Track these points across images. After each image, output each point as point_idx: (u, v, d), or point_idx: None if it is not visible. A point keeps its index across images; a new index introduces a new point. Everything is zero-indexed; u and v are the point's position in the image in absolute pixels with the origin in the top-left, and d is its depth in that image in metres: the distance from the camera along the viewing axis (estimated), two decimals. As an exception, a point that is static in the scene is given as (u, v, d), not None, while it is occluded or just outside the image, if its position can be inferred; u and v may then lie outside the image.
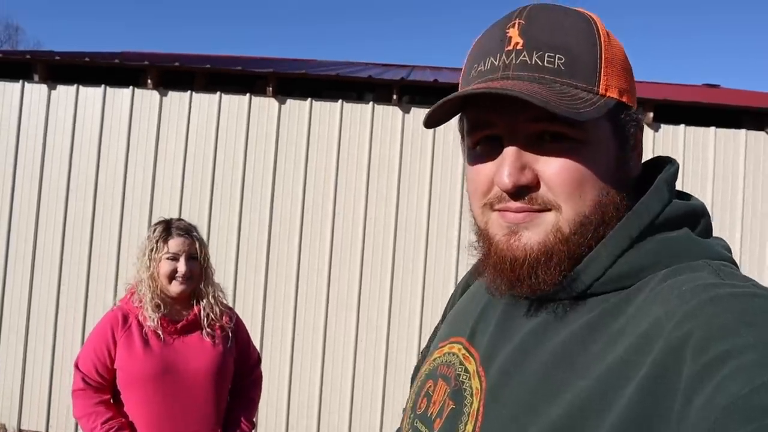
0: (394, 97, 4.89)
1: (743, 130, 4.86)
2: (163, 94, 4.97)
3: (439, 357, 0.79)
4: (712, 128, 4.86)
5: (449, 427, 0.69)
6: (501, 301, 0.74)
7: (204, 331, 2.20)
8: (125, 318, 2.16)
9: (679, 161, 4.79)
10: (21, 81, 4.97)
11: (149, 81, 4.95)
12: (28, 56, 4.99)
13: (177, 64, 4.98)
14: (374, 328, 4.82)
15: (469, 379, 0.70)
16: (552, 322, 0.66)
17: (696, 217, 0.68)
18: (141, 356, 2.10)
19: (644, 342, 0.56)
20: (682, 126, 4.89)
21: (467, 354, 0.74)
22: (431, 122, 0.69)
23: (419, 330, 4.81)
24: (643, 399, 0.53)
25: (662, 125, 4.92)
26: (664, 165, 0.72)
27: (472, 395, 0.69)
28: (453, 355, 0.76)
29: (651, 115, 4.87)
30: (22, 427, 4.80)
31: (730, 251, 0.69)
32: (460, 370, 0.73)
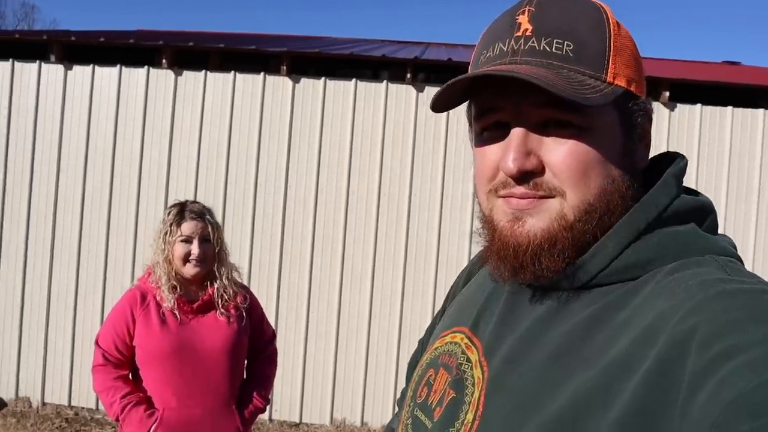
0: (408, 75, 4.87)
1: (761, 110, 4.79)
2: (178, 74, 4.98)
3: (441, 346, 0.79)
4: (729, 108, 4.80)
5: (449, 416, 0.70)
6: (505, 290, 0.74)
7: (219, 311, 2.25)
8: (143, 297, 2.22)
9: (695, 141, 4.78)
10: (38, 61, 5.00)
11: (164, 61, 4.96)
12: (44, 36, 5.01)
13: (192, 44, 4.99)
14: (388, 304, 4.87)
15: (471, 369, 0.71)
16: (557, 313, 0.66)
17: (703, 213, 0.69)
18: (158, 334, 2.16)
19: (649, 335, 0.57)
20: (699, 105, 4.83)
21: (470, 343, 0.74)
22: (438, 106, 0.70)
23: (432, 306, 4.86)
24: (647, 392, 0.54)
25: (678, 105, 4.86)
26: (673, 159, 0.72)
27: (473, 384, 0.69)
28: (455, 344, 0.76)
29: (667, 94, 4.82)
30: (46, 401, 4.93)
31: (735, 248, 0.69)
32: (462, 359, 0.73)
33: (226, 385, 2.23)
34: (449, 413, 0.70)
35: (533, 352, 0.64)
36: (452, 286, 0.95)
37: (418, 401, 0.77)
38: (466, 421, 0.67)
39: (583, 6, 0.67)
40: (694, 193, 0.71)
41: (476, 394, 0.67)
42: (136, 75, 4.99)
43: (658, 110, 4.84)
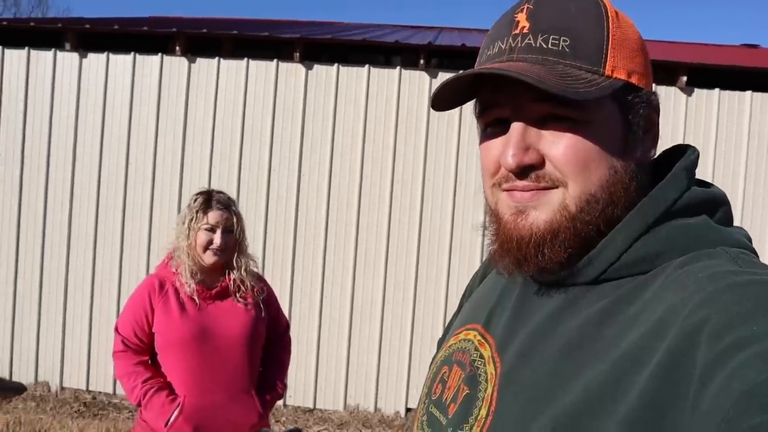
0: (422, 61, 4.85)
1: (781, 93, 4.71)
2: (191, 61, 4.99)
3: (455, 343, 0.80)
4: (748, 92, 4.73)
5: (463, 412, 0.71)
6: (517, 287, 0.75)
7: (236, 299, 2.27)
8: (162, 284, 2.24)
9: (713, 126, 4.71)
10: (53, 49, 5.03)
11: (177, 48, 4.97)
12: (59, 25, 5.04)
13: (205, 30, 5.00)
14: (401, 289, 4.88)
15: (484, 365, 0.72)
16: (567, 308, 0.67)
17: (715, 205, 0.68)
18: (178, 320, 2.17)
19: (659, 328, 0.57)
20: (717, 90, 4.76)
21: (482, 340, 0.75)
22: (440, 104, 0.71)
23: (445, 291, 4.86)
24: (658, 385, 0.54)
25: (696, 90, 4.80)
26: (686, 152, 0.72)
27: (486, 380, 0.70)
28: (468, 341, 0.78)
29: (684, 79, 4.75)
30: (64, 385, 5.00)
31: (750, 240, 0.69)
32: (475, 355, 0.74)
33: (245, 370, 2.25)
34: (463, 409, 0.71)
35: (545, 347, 0.65)
36: (468, 284, 0.97)
37: (433, 398, 0.78)
38: (479, 417, 0.68)
39: (581, 1, 0.68)
40: (706, 185, 0.71)
41: (489, 390, 0.69)
42: (149, 62, 5.01)
43: (676, 95, 4.78)
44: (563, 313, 0.67)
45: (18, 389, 4.97)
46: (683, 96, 4.79)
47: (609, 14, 0.67)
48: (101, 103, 5.01)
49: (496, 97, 0.68)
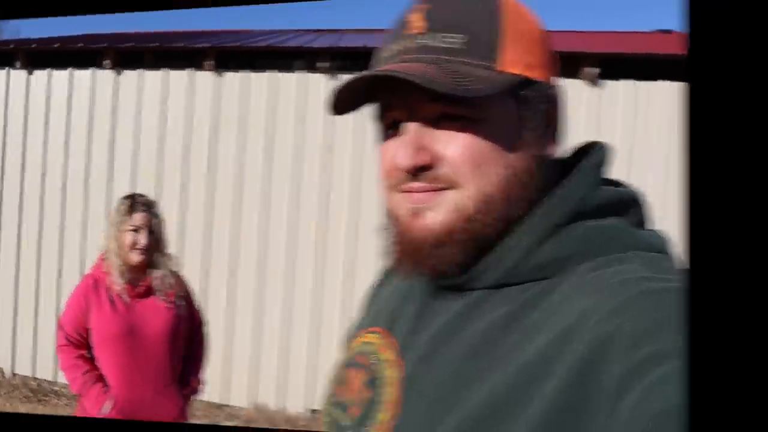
0: (324, 64, 4.85)
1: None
2: (118, 74, 5.31)
3: (357, 346, 0.79)
4: (660, 82, 4.30)
5: (364, 416, 0.70)
6: (420, 290, 0.74)
7: (159, 297, 2.46)
8: (96, 284, 2.46)
9: (622, 119, 4.35)
10: (6, 69, 5.54)
11: (108, 62, 5.30)
12: (11, 45, 5.55)
13: (131, 44, 5.29)
14: (299, 287, 4.94)
15: (386, 368, 0.71)
16: (471, 312, 0.65)
17: (627, 205, 0.65)
18: (110, 318, 2.39)
19: (568, 334, 0.55)
20: (628, 81, 4.38)
21: (384, 343, 0.74)
22: (339, 110, 0.69)
23: (343, 288, 4.88)
24: (566, 392, 0.52)
25: (606, 81, 4.43)
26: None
27: (388, 384, 0.69)
28: (370, 344, 0.76)
29: (592, 70, 4.40)
30: (15, 372, 5.56)
31: (666, 242, 0.65)
32: (376, 358, 0.73)
33: (167, 367, 2.45)
34: (365, 413, 0.70)
35: (449, 348, 0.64)
36: (371, 287, 0.97)
37: (335, 401, 0.77)
38: (381, 420, 0.67)
39: None
40: (618, 184, 0.68)
41: (391, 393, 0.68)
42: (84, 77, 5.38)
43: (582, 88, 4.45)
44: (467, 317, 0.65)
45: (-22, 374, 5.59)
46: (590, 88, 4.45)
47: (505, 8, 0.65)
48: (43, 118, 5.45)
49: (388, 99, 0.67)
